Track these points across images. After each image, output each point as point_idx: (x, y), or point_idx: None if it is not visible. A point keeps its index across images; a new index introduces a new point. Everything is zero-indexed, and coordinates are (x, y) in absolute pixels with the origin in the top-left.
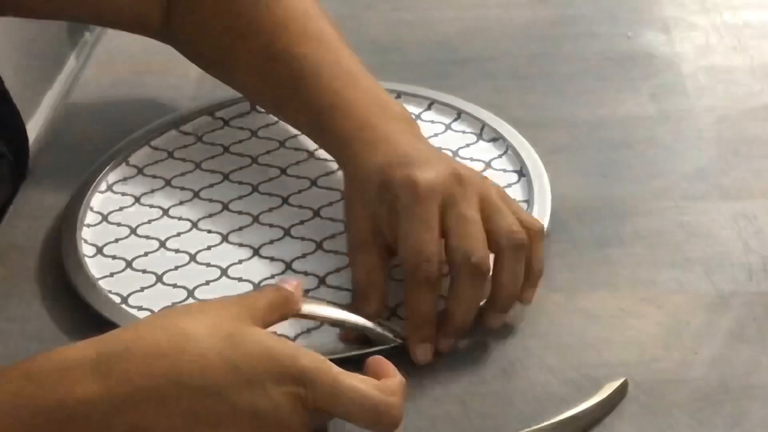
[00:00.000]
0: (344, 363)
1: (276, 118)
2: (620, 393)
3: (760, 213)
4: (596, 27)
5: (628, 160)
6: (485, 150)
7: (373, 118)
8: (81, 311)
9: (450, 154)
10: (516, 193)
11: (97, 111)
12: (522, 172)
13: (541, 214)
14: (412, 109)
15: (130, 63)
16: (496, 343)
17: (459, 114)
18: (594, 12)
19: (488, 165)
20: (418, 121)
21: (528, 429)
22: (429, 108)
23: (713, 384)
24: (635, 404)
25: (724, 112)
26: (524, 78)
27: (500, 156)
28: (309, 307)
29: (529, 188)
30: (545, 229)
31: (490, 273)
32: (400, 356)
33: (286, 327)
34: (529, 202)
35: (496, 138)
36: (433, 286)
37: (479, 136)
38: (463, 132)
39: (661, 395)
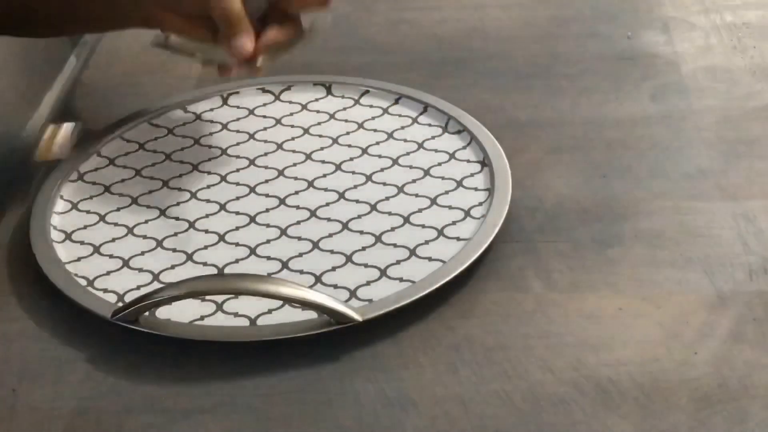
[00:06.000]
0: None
1: (246, 112)
2: None
3: (760, 213)
4: (596, 27)
5: (628, 160)
6: (450, 141)
7: None
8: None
9: (416, 146)
10: (478, 182)
11: (97, 111)
12: (485, 162)
13: (502, 201)
14: (380, 103)
15: (130, 63)
16: (496, 342)
17: (426, 108)
18: (594, 12)
19: (452, 156)
20: (386, 115)
21: None
22: (396, 102)
23: (713, 384)
24: (635, 404)
25: (724, 112)
26: (524, 78)
27: (464, 147)
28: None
29: (492, 177)
30: None
31: None
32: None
33: (247, 307)
34: (490, 190)
35: (461, 130)
36: None
37: (445, 129)
38: (429, 125)
39: (661, 395)
